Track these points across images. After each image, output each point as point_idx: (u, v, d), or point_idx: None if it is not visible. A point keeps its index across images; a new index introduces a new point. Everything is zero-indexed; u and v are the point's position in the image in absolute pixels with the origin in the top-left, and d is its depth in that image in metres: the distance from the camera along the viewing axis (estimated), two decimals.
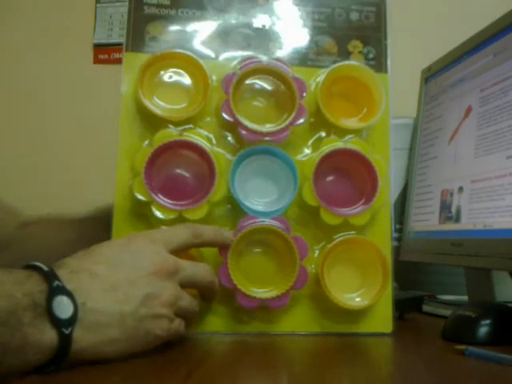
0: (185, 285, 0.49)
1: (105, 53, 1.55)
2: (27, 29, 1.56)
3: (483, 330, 0.55)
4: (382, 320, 0.60)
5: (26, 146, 1.53)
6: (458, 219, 0.76)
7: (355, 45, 0.64)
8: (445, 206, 0.80)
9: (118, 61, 1.54)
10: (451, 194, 0.78)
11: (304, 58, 0.63)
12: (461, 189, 0.76)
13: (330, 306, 0.58)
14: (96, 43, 1.55)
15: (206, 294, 0.53)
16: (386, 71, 0.64)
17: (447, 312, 0.66)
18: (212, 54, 0.62)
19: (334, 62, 0.63)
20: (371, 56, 0.64)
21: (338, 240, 0.59)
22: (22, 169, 1.48)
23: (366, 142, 0.62)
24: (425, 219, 0.85)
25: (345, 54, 0.64)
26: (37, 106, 1.56)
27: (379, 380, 0.42)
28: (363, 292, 0.59)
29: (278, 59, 0.61)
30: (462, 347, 0.49)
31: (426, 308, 0.78)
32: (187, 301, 0.49)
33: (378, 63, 0.65)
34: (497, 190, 0.67)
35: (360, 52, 0.64)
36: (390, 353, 0.53)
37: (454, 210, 0.77)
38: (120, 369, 0.41)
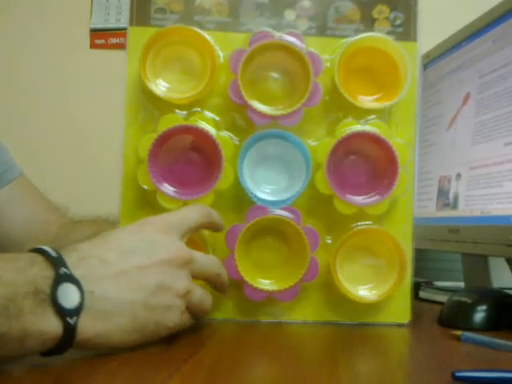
0: (195, 276, 0.47)
1: (101, 38, 1.54)
2: (23, 14, 1.55)
3: (479, 315, 0.56)
4: (399, 310, 0.57)
5: (22, 133, 1.53)
6: (455, 206, 0.76)
7: (381, 10, 0.57)
8: (442, 193, 0.80)
9: (115, 46, 1.53)
10: (449, 181, 0.78)
11: (322, 27, 0.57)
12: (459, 175, 0.76)
13: (343, 296, 0.56)
14: (93, 28, 1.54)
15: (215, 286, 0.52)
16: (414, 39, 0.58)
17: (444, 298, 0.66)
18: (222, 26, 0.57)
19: (356, 31, 0.57)
20: (398, 22, 0.58)
21: (351, 231, 0.55)
22: (17, 157, 1.48)
23: (388, 123, 0.57)
24: (423, 206, 0.85)
25: (368, 21, 0.58)
26: (33, 91, 1.55)
27: (376, 365, 0.43)
28: (377, 284, 0.56)
29: (291, 32, 0.56)
30: (458, 332, 0.49)
31: (422, 294, 0.78)
32: (198, 296, 0.47)
33: (406, 30, 0.58)
34: (495, 177, 0.67)
35: (386, 18, 0.57)
36: (387, 338, 0.54)
37: (451, 196, 0.77)
38: (117, 354, 0.41)
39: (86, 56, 1.54)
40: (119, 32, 1.53)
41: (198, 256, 0.48)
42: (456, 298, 0.59)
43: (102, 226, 0.68)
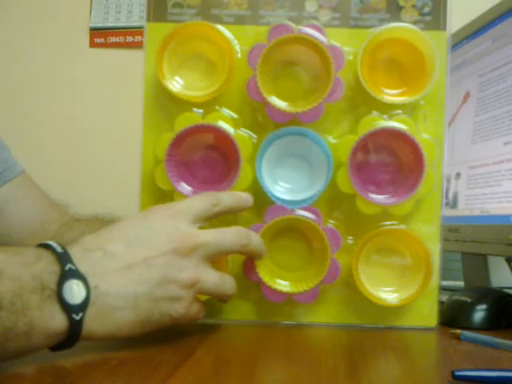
0: (214, 257, 0.46)
1: (101, 36, 1.54)
2: (23, 13, 1.55)
3: (479, 314, 0.56)
4: (425, 313, 0.55)
5: (21, 132, 1.53)
6: (454, 205, 0.76)
7: None
8: None
9: (115, 45, 1.53)
10: (448, 180, 0.78)
11: (346, 18, 0.55)
12: (458, 175, 0.76)
13: (365, 298, 0.53)
14: (92, 27, 1.54)
15: (250, 256, 0.50)
16: (444, 28, 0.55)
17: (443, 297, 0.66)
18: (241, 19, 0.55)
19: (382, 20, 0.55)
20: (427, 10, 0.55)
21: (374, 232, 0.53)
22: (19, 155, 1.48)
23: (415, 118, 0.54)
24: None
25: (395, 10, 0.55)
26: (33, 90, 1.55)
27: (374, 364, 0.43)
28: (401, 288, 0.54)
29: (311, 25, 0.54)
30: (458, 332, 0.49)
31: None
32: (213, 282, 0.45)
33: (435, 18, 0.55)
34: (494, 176, 0.67)
35: (413, 6, 0.55)
36: (387, 338, 0.54)
37: (451, 195, 0.77)
38: (117, 353, 0.41)
39: (85, 55, 1.54)
40: (119, 31, 1.53)
41: (209, 236, 0.45)
42: (456, 297, 0.59)
43: (101, 224, 0.68)
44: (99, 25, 1.54)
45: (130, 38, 1.53)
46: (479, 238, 0.68)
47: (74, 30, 1.54)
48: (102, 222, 0.71)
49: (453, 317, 0.57)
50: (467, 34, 0.78)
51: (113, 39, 1.53)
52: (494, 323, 0.55)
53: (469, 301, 0.57)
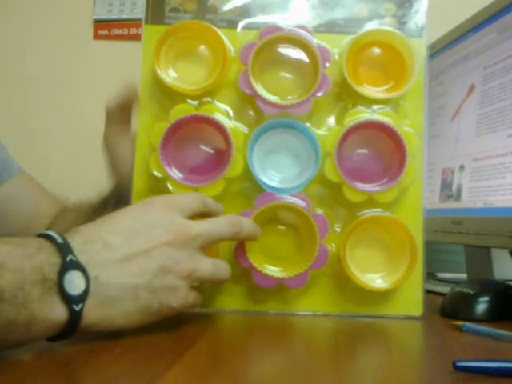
0: (208, 246, 0.48)
1: (105, 28, 1.54)
2: (26, 5, 1.55)
3: (481, 306, 0.56)
4: (411, 302, 0.56)
5: (25, 123, 1.53)
6: (458, 197, 0.76)
7: (388, 8, 0.59)
8: (445, 185, 0.80)
9: (119, 37, 1.53)
10: (452, 173, 0.78)
11: (331, 25, 0.59)
12: (462, 167, 0.76)
13: (354, 286, 0.55)
14: (96, 19, 1.54)
15: (244, 240, 0.52)
16: (421, 36, 0.59)
17: (446, 289, 0.66)
18: (233, 24, 0.59)
19: (364, 28, 0.59)
20: (405, 19, 0.60)
21: (361, 218, 0.55)
22: (21, 150, 1.48)
23: (397, 113, 0.58)
24: (425, 198, 0.85)
25: (376, 19, 0.59)
26: (37, 81, 1.55)
27: (377, 356, 0.43)
28: (388, 273, 0.56)
29: (301, 26, 0.57)
30: (460, 323, 0.49)
31: (425, 285, 0.78)
32: (208, 269, 0.46)
33: (413, 27, 0.59)
34: (498, 169, 0.67)
35: (393, 15, 0.59)
36: (389, 329, 0.54)
37: (454, 188, 0.77)
38: (120, 341, 0.41)
39: (89, 47, 1.54)
40: (122, 23, 1.53)
41: (203, 227, 0.47)
42: (458, 288, 0.59)
43: (86, 211, 0.69)
44: (103, 17, 1.54)
45: (133, 30, 1.53)
46: (482, 230, 0.68)
47: (78, 22, 1.54)
48: (89, 207, 0.71)
49: (455, 308, 0.57)
50: (472, 26, 0.78)
51: (117, 31, 1.53)
52: (495, 315, 0.55)
53: (471, 292, 0.57)
